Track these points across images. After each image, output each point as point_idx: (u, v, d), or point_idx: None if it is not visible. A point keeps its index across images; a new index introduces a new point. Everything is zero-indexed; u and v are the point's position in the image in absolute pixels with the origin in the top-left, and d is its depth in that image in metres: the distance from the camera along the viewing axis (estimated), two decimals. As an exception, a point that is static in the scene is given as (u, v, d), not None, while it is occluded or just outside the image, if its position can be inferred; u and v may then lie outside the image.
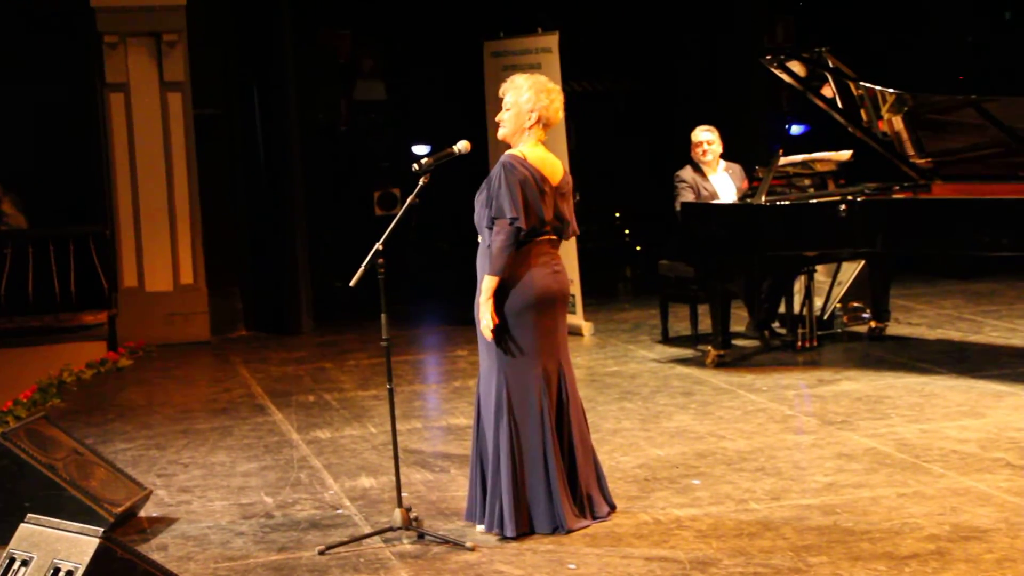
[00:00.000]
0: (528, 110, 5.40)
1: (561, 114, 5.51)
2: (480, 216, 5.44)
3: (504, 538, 5.35)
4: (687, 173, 8.92)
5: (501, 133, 5.50)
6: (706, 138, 8.93)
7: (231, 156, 10.90)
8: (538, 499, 5.39)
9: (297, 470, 6.66)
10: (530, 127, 5.41)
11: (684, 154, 9.06)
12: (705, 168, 8.94)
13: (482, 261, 5.47)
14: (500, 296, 5.38)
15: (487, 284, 5.36)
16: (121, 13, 10.26)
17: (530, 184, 5.33)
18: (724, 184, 8.94)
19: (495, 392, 5.41)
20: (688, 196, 8.79)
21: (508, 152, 5.42)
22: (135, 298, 10.47)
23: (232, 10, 10.76)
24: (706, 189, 8.86)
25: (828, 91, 8.60)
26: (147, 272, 10.51)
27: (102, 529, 4.23)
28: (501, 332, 5.38)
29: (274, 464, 6.80)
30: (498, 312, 5.37)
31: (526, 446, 5.38)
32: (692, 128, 9.08)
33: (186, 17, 10.35)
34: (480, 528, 5.48)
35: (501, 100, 5.49)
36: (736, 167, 9.06)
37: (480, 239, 5.50)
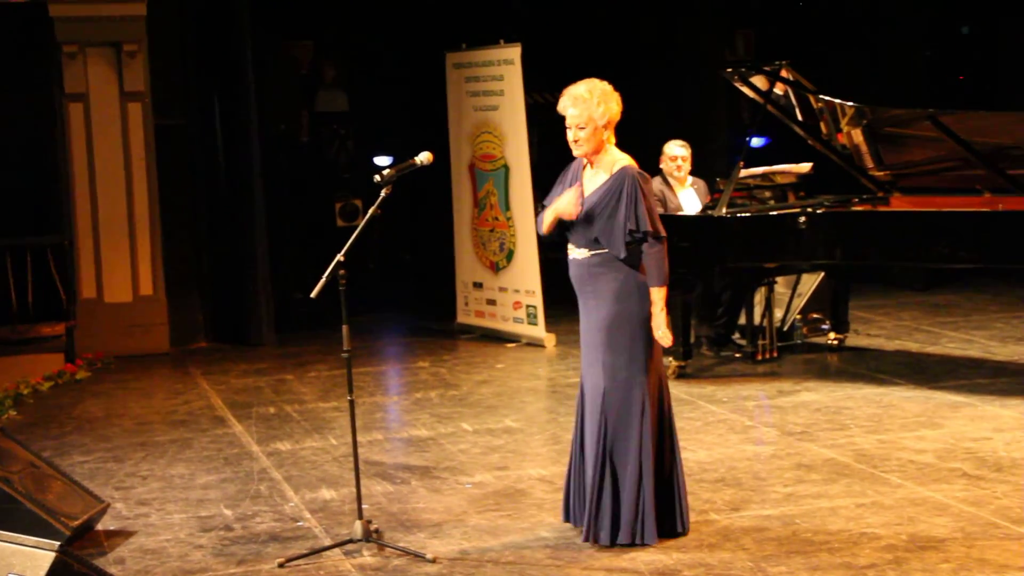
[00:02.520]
0: (603, 125, 5.35)
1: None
2: (606, 231, 5.32)
3: (644, 545, 5.30)
4: (655, 184, 8.93)
5: (581, 151, 5.39)
6: (681, 153, 8.95)
7: (192, 167, 10.85)
8: (683, 496, 5.49)
9: (257, 482, 6.63)
10: (606, 137, 5.39)
11: (646, 165, 9.06)
12: (675, 182, 8.96)
13: (579, 272, 5.42)
14: (635, 301, 5.34)
15: (664, 294, 5.35)
16: (81, 23, 10.19)
17: (653, 192, 5.46)
18: (690, 200, 8.96)
19: (636, 400, 5.31)
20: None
21: (626, 165, 5.37)
22: (94, 309, 10.39)
23: (193, 20, 10.71)
24: (672, 202, 8.88)
25: (764, 84, 8.60)
26: (106, 283, 10.43)
27: (58, 543, 4.20)
28: (636, 337, 5.34)
29: (234, 476, 6.77)
30: (633, 315, 5.34)
31: (671, 446, 5.45)
32: (654, 139, 9.10)
33: (146, 27, 10.29)
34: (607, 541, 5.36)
35: (564, 115, 5.37)
36: (702, 183, 9.09)
37: (580, 251, 5.41)
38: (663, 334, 5.34)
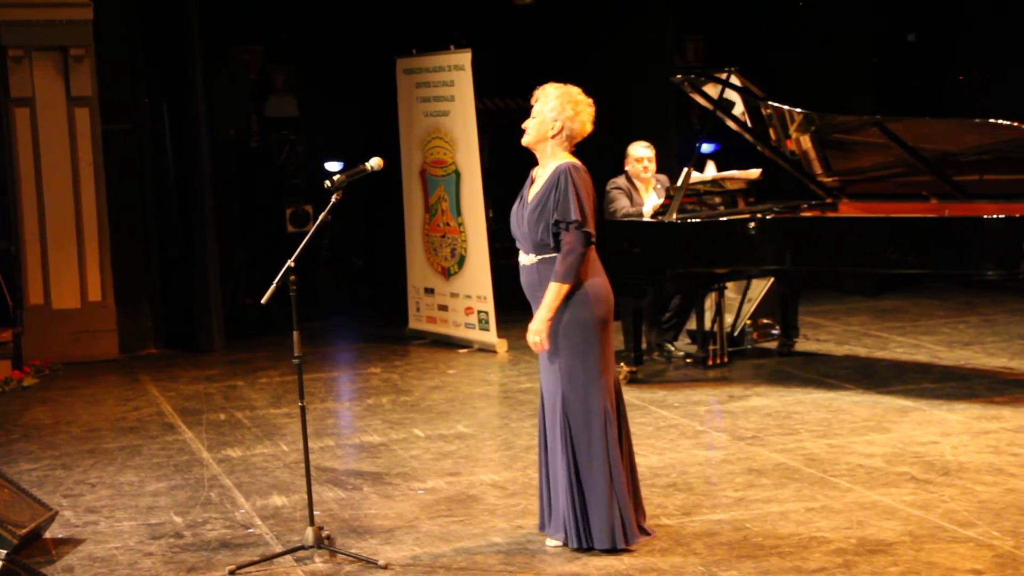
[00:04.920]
0: (552, 119, 5.32)
1: (589, 127, 5.39)
2: (535, 228, 5.29)
3: (624, 550, 5.29)
4: (621, 180, 8.93)
5: (524, 140, 5.41)
6: (647, 154, 8.96)
7: (140, 172, 10.76)
8: (638, 504, 5.51)
9: (207, 489, 6.59)
10: (553, 136, 5.33)
11: (595, 170, 9.07)
12: (641, 183, 8.97)
13: (530, 278, 5.37)
14: (587, 306, 5.27)
15: (560, 293, 5.23)
16: (26, 27, 10.08)
17: (591, 191, 5.33)
18: (654, 202, 8.95)
19: (596, 404, 5.27)
20: (623, 201, 8.80)
21: (564, 161, 5.31)
22: (41, 316, 10.28)
23: (140, 25, 10.63)
24: (638, 204, 8.86)
25: (714, 91, 8.66)
26: (54, 289, 10.33)
27: (5, 551, 4.16)
28: (591, 342, 5.29)
29: (184, 483, 6.72)
30: (587, 320, 5.27)
31: (628, 450, 5.43)
32: (605, 145, 9.10)
33: (93, 31, 10.20)
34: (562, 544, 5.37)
35: (531, 106, 5.41)
36: (664, 178, 9.11)
37: (528, 257, 5.37)
38: (539, 340, 5.23)
